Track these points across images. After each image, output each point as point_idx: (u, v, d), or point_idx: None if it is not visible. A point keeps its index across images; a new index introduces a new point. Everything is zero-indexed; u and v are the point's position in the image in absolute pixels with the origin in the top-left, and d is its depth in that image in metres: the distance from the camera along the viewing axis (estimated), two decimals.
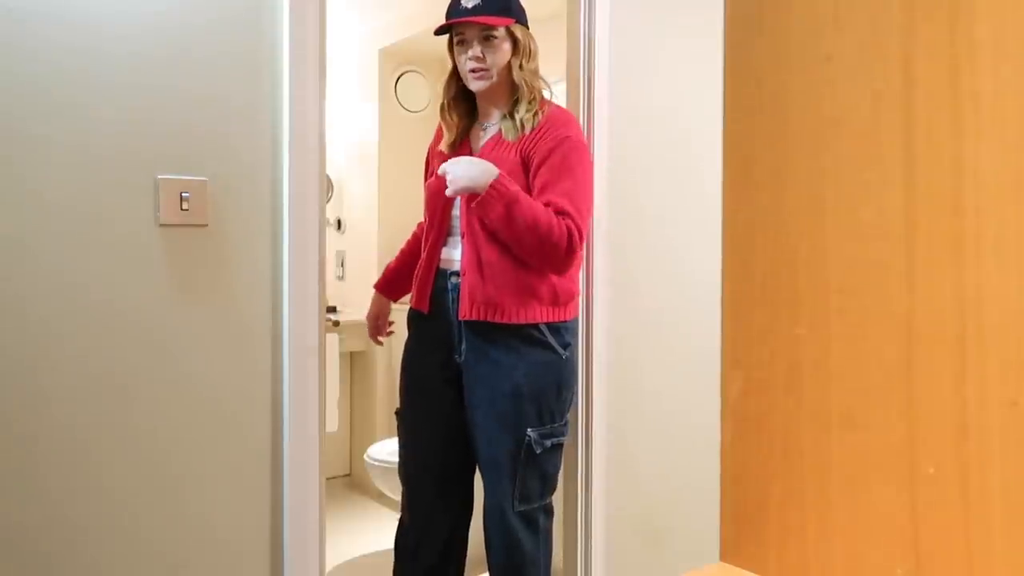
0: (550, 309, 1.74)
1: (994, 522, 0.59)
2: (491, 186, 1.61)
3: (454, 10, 1.74)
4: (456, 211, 1.77)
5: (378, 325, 2.10)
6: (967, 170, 0.60)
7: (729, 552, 0.76)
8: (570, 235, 1.66)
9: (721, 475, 0.77)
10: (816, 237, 0.69)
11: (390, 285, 2.06)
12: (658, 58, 2.25)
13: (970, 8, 0.60)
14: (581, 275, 1.94)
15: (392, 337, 2.18)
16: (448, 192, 1.64)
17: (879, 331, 0.65)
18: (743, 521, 0.75)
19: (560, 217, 1.65)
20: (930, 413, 0.62)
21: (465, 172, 1.62)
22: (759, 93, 0.74)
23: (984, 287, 0.58)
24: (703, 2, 2.38)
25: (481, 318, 1.70)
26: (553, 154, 1.69)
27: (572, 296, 1.79)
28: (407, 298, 1.97)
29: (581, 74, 2.07)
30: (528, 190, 1.70)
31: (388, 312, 2.10)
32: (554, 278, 1.73)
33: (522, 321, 1.70)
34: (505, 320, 1.69)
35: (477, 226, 1.70)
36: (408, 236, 2.10)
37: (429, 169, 1.93)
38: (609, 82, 2.09)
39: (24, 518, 1.35)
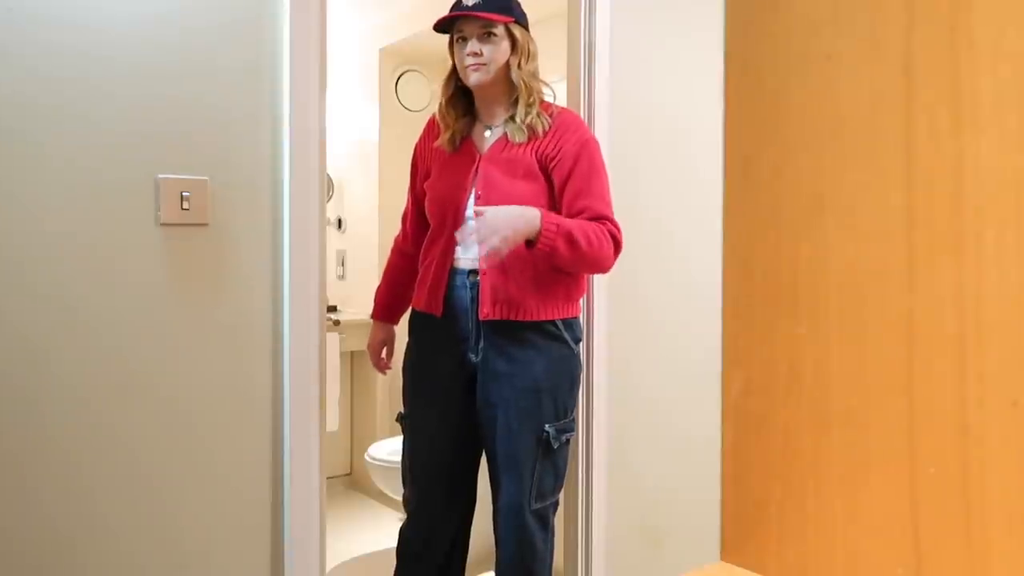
0: (565, 305, 1.76)
1: (994, 522, 0.59)
2: (544, 229, 1.60)
3: (455, 7, 1.75)
4: (470, 211, 1.77)
5: (385, 352, 2.06)
6: (967, 170, 0.60)
7: (729, 551, 0.75)
8: (615, 239, 1.71)
9: (722, 475, 0.77)
10: (816, 237, 0.69)
11: (389, 310, 2.02)
12: (658, 58, 2.25)
13: (970, 8, 0.59)
14: None
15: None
16: (492, 247, 1.59)
17: (879, 331, 0.65)
18: (743, 521, 0.75)
19: (601, 223, 1.70)
20: (930, 413, 0.62)
21: (507, 226, 1.58)
22: (759, 93, 0.74)
23: (984, 287, 0.58)
24: (703, 2, 2.38)
25: (504, 317, 1.70)
26: (580, 159, 1.72)
27: (582, 292, 1.83)
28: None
29: (581, 74, 2.07)
30: (546, 190, 1.72)
31: (394, 337, 2.06)
32: (569, 275, 1.75)
33: (543, 318, 1.71)
34: (528, 318, 1.70)
35: None
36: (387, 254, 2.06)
37: (422, 166, 1.92)
38: (609, 82, 2.09)
39: (23, 516, 1.35)
